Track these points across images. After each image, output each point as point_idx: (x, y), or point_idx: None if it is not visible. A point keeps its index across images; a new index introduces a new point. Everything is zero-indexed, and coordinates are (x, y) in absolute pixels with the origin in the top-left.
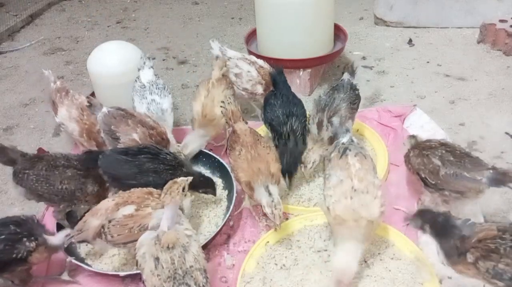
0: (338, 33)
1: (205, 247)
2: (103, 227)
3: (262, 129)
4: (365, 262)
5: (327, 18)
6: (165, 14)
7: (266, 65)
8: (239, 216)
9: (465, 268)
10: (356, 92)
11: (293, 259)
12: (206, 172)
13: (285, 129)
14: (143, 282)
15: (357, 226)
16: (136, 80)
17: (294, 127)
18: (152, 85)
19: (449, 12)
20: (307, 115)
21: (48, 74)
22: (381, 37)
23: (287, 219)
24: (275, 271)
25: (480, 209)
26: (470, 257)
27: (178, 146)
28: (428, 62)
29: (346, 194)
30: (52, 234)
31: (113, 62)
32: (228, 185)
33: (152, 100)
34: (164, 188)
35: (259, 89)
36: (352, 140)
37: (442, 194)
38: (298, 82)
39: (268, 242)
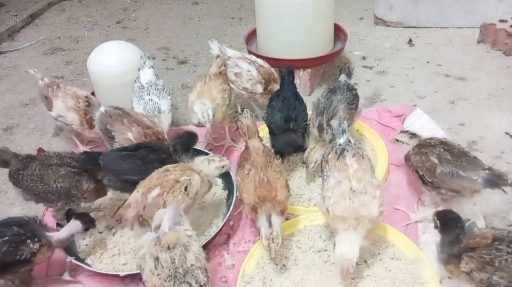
0: (338, 33)
1: (205, 247)
2: (140, 216)
3: (263, 129)
4: (365, 262)
5: (327, 18)
6: (165, 14)
7: (266, 65)
8: (239, 216)
9: (456, 272)
10: (354, 92)
11: (293, 259)
12: None
13: (281, 132)
14: (143, 283)
15: (357, 224)
16: (135, 81)
17: (292, 131)
18: (151, 86)
19: (449, 12)
20: (308, 119)
21: (34, 73)
22: (381, 37)
23: (287, 219)
24: (275, 271)
25: (480, 209)
26: (464, 267)
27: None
28: (428, 62)
29: (345, 195)
30: (56, 230)
31: (113, 62)
32: (228, 185)
33: (149, 99)
34: (166, 187)
35: (259, 89)
36: (349, 141)
37: (439, 192)
38: (298, 82)
39: None
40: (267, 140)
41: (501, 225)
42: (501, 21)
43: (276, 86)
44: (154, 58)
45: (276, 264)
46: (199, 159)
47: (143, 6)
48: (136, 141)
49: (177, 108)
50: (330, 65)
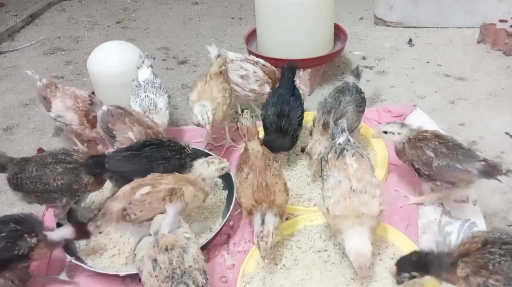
0: (338, 33)
1: (205, 247)
2: (125, 209)
3: (263, 130)
4: None
5: (327, 18)
6: (165, 14)
7: (267, 64)
8: (239, 216)
9: (455, 279)
10: (362, 95)
11: (293, 259)
12: None
13: (273, 128)
14: (143, 285)
15: (359, 221)
16: (133, 80)
17: (284, 129)
18: (148, 83)
19: (449, 12)
20: (303, 115)
21: (32, 74)
22: (381, 37)
23: (287, 219)
24: (275, 271)
25: (480, 209)
26: (460, 272)
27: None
28: (428, 62)
29: (345, 194)
30: (51, 230)
31: (113, 62)
32: (228, 185)
33: (145, 96)
34: (167, 191)
35: (267, 89)
36: (349, 140)
37: (435, 183)
38: (298, 82)
39: None
40: None
41: (501, 225)
42: (501, 21)
43: None
44: (154, 58)
45: (276, 264)
46: (198, 162)
47: (143, 6)
48: (136, 140)
49: (177, 108)
50: (330, 65)
